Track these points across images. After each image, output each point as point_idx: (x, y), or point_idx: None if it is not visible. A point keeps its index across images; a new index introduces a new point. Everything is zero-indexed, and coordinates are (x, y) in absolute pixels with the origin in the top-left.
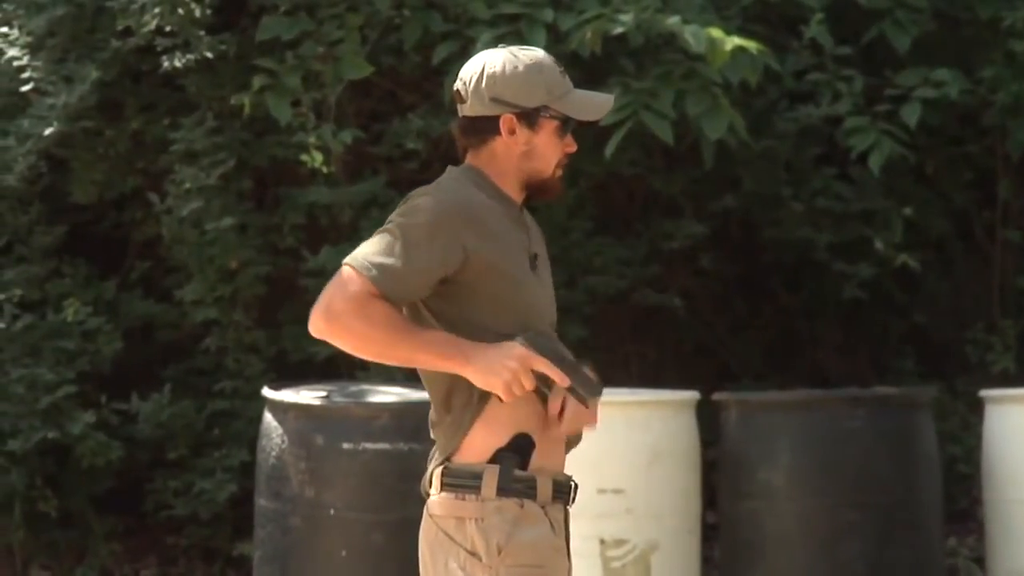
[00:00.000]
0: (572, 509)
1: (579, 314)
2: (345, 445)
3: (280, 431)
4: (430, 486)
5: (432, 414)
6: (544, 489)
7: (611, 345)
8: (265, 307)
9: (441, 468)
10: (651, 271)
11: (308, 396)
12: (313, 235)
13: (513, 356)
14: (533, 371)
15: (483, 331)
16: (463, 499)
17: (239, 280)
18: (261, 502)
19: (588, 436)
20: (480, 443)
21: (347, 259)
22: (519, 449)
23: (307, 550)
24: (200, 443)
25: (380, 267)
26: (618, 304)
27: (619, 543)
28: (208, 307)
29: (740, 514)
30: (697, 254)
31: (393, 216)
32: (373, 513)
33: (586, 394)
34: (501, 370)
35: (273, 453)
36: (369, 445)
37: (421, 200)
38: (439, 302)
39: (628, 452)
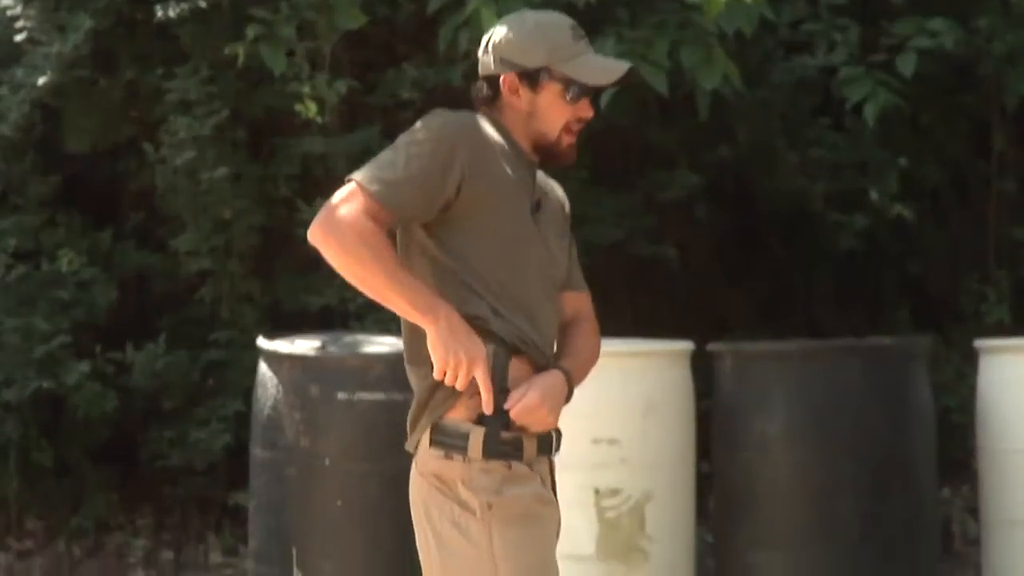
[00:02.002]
0: (566, 459)
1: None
2: (340, 395)
3: (275, 381)
4: (417, 441)
5: (410, 355)
6: (530, 448)
7: (606, 295)
8: (260, 257)
9: (431, 426)
10: (646, 222)
11: (303, 346)
12: (308, 185)
13: (470, 351)
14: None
15: (472, 274)
16: (451, 458)
17: (233, 230)
18: (256, 452)
19: (583, 386)
20: (468, 401)
21: (353, 175)
22: (506, 412)
23: (302, 500)
24: (195, 393)
25: (383, 182)
26: (613, 255)
27: (614, 493)
28: (203, 257)
29: (734, 465)
30: (692, 205)
31: (400, 136)
32: (368, 463)
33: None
34: (451, 352)
35: (268, 403)
36: (364, 395)
37: (428, 119)
38: (433, 233)
39: (623, 402)
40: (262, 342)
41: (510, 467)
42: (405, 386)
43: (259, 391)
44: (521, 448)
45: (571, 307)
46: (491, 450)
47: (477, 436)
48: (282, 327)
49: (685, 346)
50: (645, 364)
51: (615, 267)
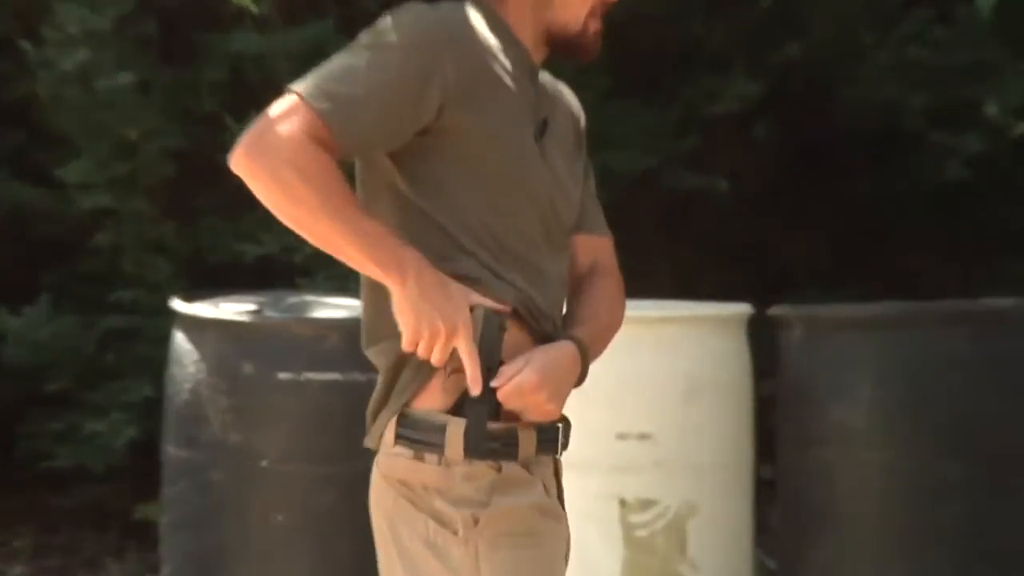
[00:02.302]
0: (580, 460)
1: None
2: (282, 375)
3: (196, 357)
4: (380, 436)
5: (372, 330)
6: (528, 444)
7: (634, 243)
8: (176, 192)
9: (396, 416)
10: (687, 144)
11: (233, 310)
12: (240, 96)
13: (448, 316)
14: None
15: (455, 219)
16: (422, 459)
17: (141, 156)
18: (170, 451)
19: (603, 362)
20: (445, 382)
21: (295, 84)
22: (493, 392)
23: (232, 513)
24: (90, 372)
25: (335, 98)
26: (643, 189)
27: (645, 505)
28: (99, 192)
29: (806, 467)
30: (748, 122)
31: (360, 36)
32: (319, 465)
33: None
34: (424, 319)
35: (186, 386)
36: (314, 375)
37: (399, 15)
38: (403, 165)
39: (657, 384)
40: (178, 305)
41: (501, 470)
42: (368, 363)
43: (174, 370)
44: (515, 444)
45: (586, 256)
46: (475, 447)
47: (456, 429)
48: (205, 284)
49: (740, 310)
50: (687, 334)
51: (646, 205)
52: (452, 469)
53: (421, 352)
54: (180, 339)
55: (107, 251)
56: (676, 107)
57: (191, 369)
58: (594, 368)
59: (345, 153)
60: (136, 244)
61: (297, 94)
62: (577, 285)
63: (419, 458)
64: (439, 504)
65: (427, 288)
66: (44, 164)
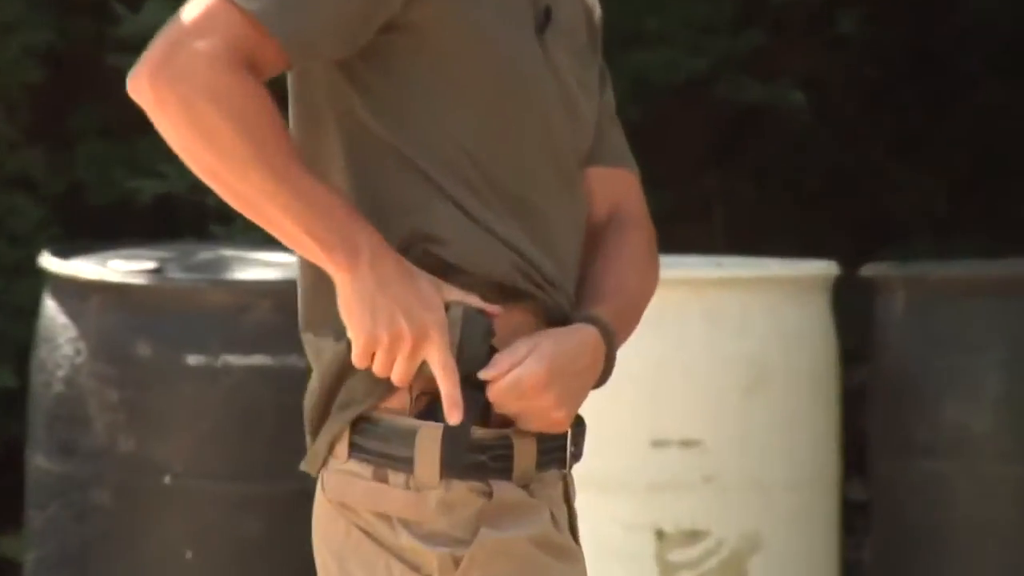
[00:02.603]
0: (603, 476)
1: (620, 118)
2: (192, 359)
3: (73, 333)
4: (326, 451)
5: (309, 309)
6: (526, 457)
7: (675, 177)
8: (46, 107)
9: (350, 423)
10: (747, 43)
11: (125, 268)
12: None
13: (417, 318)
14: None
15: (427, 151)
16: (384, 480)
17: None
18: (38, 462)
19: (635, 344)
20: (415, 380)
21: None
22: (478, 383)
23: (123, 547)
24: None
25: None
26: (690, 103)
27: (691, 538)
28: None
29: (910, 484)
30: (831, 14)
31: None
32: (242, 482)
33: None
34: (383, 321)
35: (60, 374)
36: (235, 359)
37: None
38: (357, 76)
39: (708, 373)
40: (49, 261)
41: (491, 492)
42: None
43: (43, 351)
44: (510, 457)
45: (604, 199)
46: (456, 461)
47: (430, 439)
48: (85, 233)
49: (821, 269)
50: (748, 302)
51: (694, 124)
52: (425, 494)
53: (378, 366)
54: (52, 309)
55: None
56: None
57: (67, 350)
58: (623, 351)
59: (288, 64)
60: None
61: None
62: (594, 241)
63: (380, 478)
64: (406, 539)
65: (386, 278)
66: None
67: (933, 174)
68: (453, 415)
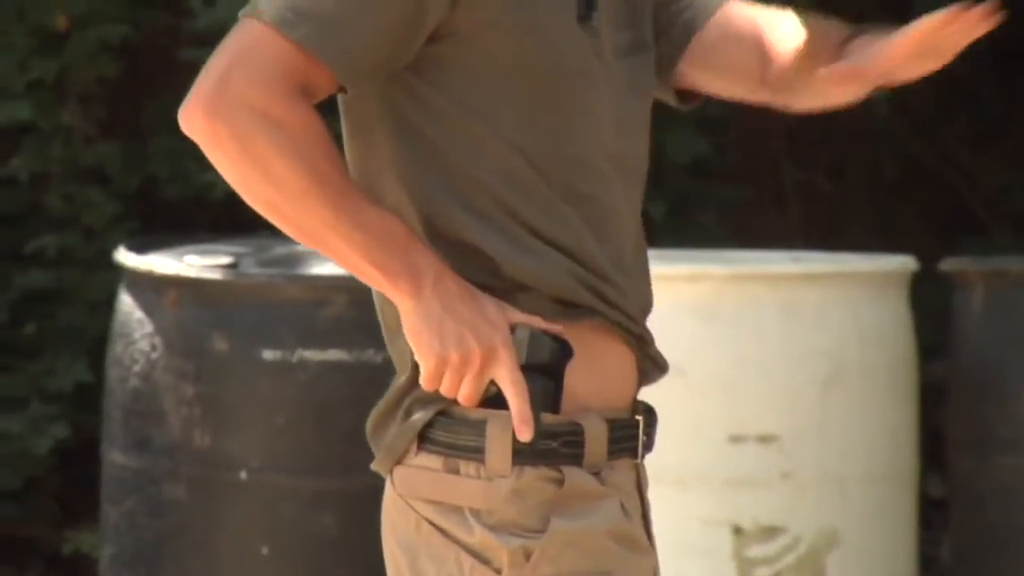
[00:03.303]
0: (678, 470)
1: (692, 114)
2: (267, 354)
3: (149, 328)
4: (398, 448)
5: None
6: (596, 441)
7: (751, 166)
8: (118, 101)
9: (429, 416)
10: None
11: (200, 263)
12: None
13: (485, 337)
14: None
15: (481, 159)
16: (456, 472)
17: (70, 51)
18: (114, 458)
19: (714, 339)
20: None
21: (250, 6)
22: (547, 368)
23: (198, 543)
24: (1, 349)
25: (314, 16)
26: None
27: (768, 534)
28: (14, 100)
29: (989, 480)
30: (910, 3)
31: None
32: (317, 477)
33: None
34: (451, 341)
35: (136, 369)
36: (311, 354)
37: None
38: (407, 84)
39: (786, 368)
40: (125, 256)
41: (562, 480)
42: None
43: (119, 347)
44: (581, 443)
45: (734, 27)
46: (526, 448)
47: (500, 426)
48: (161, 228)
49: (900, 264)
50: (826, 297)
51: (769, 119)
52: (496, 482)
53: (447, 386)
54: (127, 304)
55: (26, 183)
56: None
57: (143, 345)
58: (701, 347)
59: (340, 88)
60: (65, 172)
61: (260, 20)
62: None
63: (451, 469)
64: (477, 532)
65: (450, 299)
66: None
67: (1012, 167)
68: (524, 432)
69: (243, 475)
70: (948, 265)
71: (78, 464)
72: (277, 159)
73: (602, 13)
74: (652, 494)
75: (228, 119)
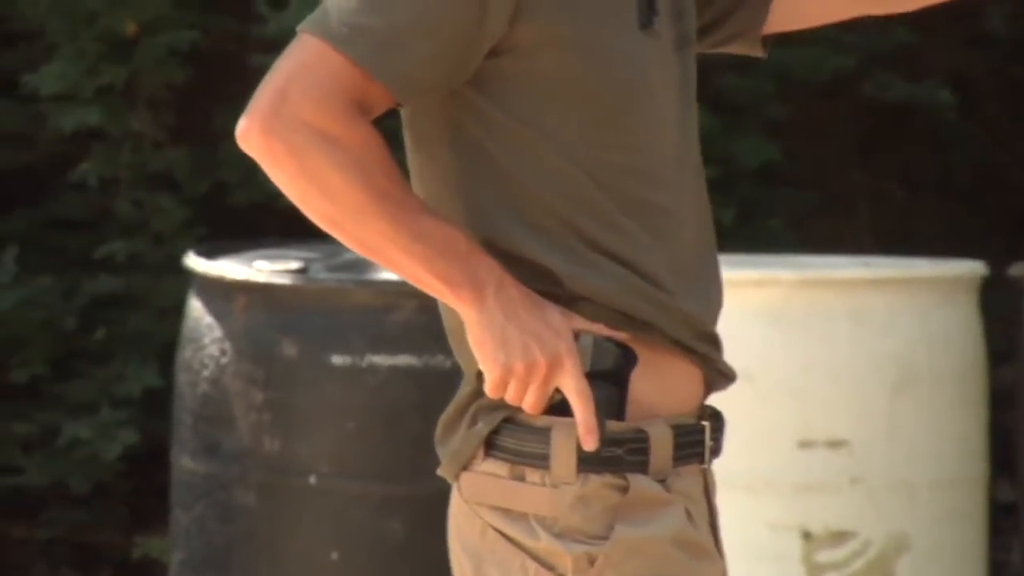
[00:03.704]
0: (746, 476)
1: (761, 120)
2: (337, 359)
3: (219, 333)
4: (465, 454)
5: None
6: (662, 448)
7: (820, 175)
8: (187, 106)
9: (495, 423)
10: (894, 39)
11: (269, 268)
12: None
13: (549, 345)
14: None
15: (546, 178)
16: (522, 479)
17: (140, 56)
18: (183, 463)
19: (783, 344)
20: None
21: (306, 22)
22: (612, 375)
23: (267, 548)
24: (71, 354)
25: (370, 33)
26: (834, 100)
27: (838, 539)
28: (84, 106)
29: None
30: (979, 10)
31: None
32: (386, 483)
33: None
34: (516, 350)
35: (205, 374)
36: (381, 359)
37: None
38: (466, 100)
39: (856, 373)
40: (194, 261)
41: (627, 487)
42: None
43: (189, 352)
44: (646, 450)
45: None
46: (592, 455)
47: (566, 434)
48: (228, 234)
49: (969, 269)
50: (896, 302)
51: (837, 122)
52: (561, 489)
53: (512, 395)
54: (197, 309)
55: (96, 188)
56: None
57: (212, 350)
58: (769, 352)
59: (397, 104)
60: (134, 178)
61: (315, 34)
62: None
63: (517, 476)
64: (542, 539)
65: (514, 308)
66: (6, 68)
67: None
68: (588, 442)
69: (312, 480)
70: (1018, 270)
71: (148, 469)
72: (335, 175)
73: (662, 17)
74: (721, 500)
75: (285, 136)
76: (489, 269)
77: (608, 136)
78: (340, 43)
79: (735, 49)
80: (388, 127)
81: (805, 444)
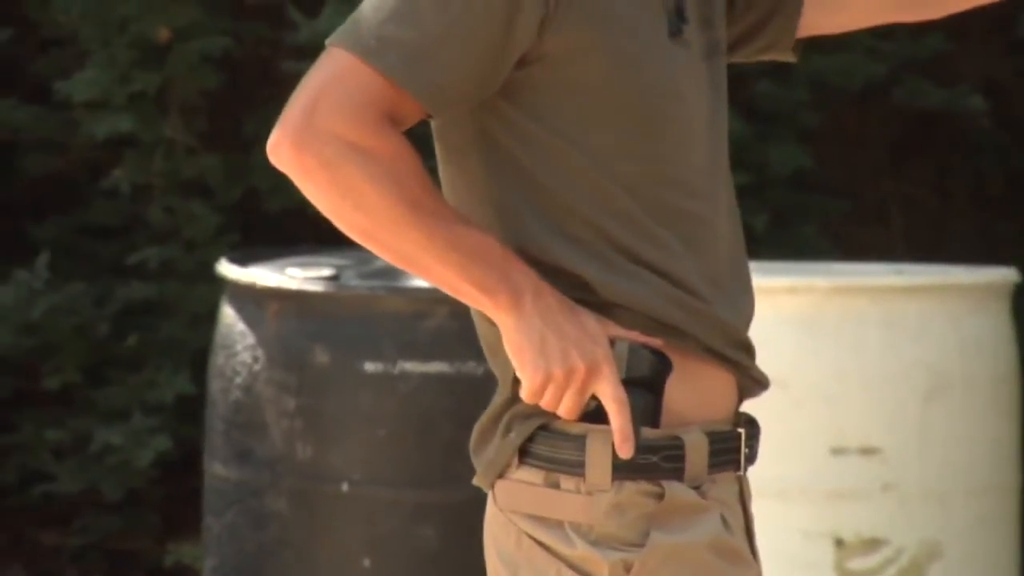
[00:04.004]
0: (779, 482)
1: (794, 127)
2: (369, 366)
3: (251, 340)
4: (501, 462)
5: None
6: (697, 455)
7: (853, 181)
8: (220, 113)
9: (530, 431)
10: (928, 47)
11: (302, 275)
12: None
13: (587, 351)
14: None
15: (578, 189)
16: (556, 486)
17: (172, 63)
18: (216, 470)
19: (815, 351)
20: None
21: (336, 35)
22: (647, 382)
23: (300, 554)
24: (103, 361)
25: (400, 45)
26: (867, 107)
27: (870, 546)
28: (116, 112)
29: None
30: (1014, 17)
31: None
32: (419, 489)
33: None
34: (555, 356)
35: (238, 380)
36: (413, 366)
37: None
38: (497, 110)
39: (888, 380)
40: (227, 268)
41: (663, 494)
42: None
43: (221, 358)
44: (681, 458)
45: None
46: (627, 463)
47: (601, 441)
48: (261, 240)
49: (1002, 276)
50: (928, 309)
51: (871, 130)
52: (596, 497)
53: (549, 400)
54: (229, 316)
55: (127, 194)
56: None
57: (244, 357)
58: (802, 359)
59: (428, 115)
60: (167, 185)
61: (345, 48)
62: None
63: (552, 484)
64: (579, 547)
65: (551, 314)
66: (40, 74)
67: None
68: (625, 449)
69: (344, 487)
70: None
71: (180, 476)
72: (367, 187)
73: (695, 22)
74: (754, 506)
75: (316, 150)
76: (526, 276)
77: (640, 145)
78: (370, 55)
79: (768, 56)
80: (419, 133)
81: (838, 451)
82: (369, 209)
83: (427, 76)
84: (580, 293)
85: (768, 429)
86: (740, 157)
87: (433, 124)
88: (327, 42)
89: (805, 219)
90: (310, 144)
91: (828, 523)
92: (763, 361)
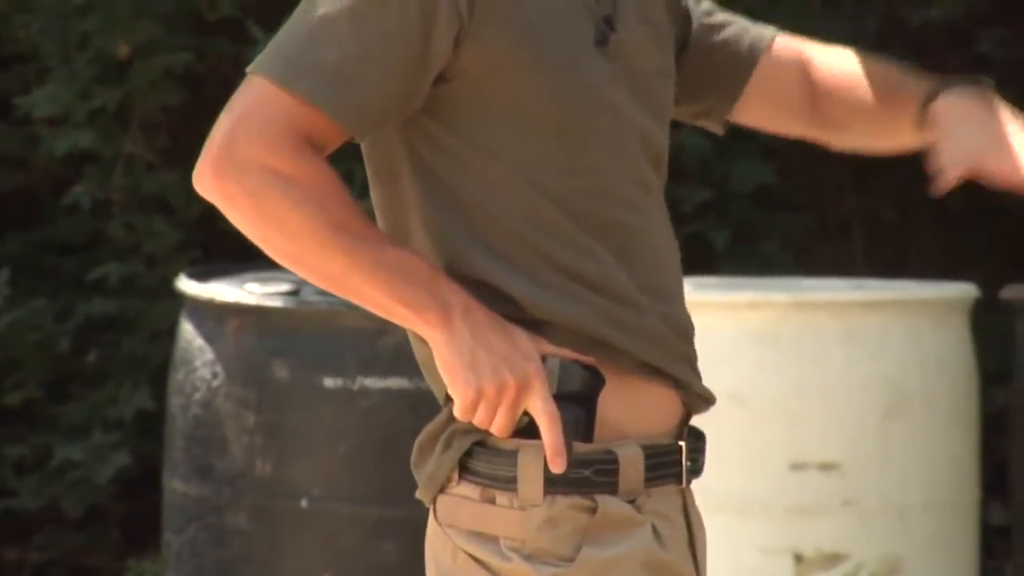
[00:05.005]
0: (737, 498)
1: (756, 142)
2: (329, 382)
3: (210, 356)
4: (441, 476)
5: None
6: (632, 468)
7: (817, 198)
8: (180, 129)
9: (467, 446)
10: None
11: (261, 291)
12: None
13: (518, 366)
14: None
15: (504, 202)
16: (492, 502)
17: (133, 78)
18: (175, 486)
19: (774, 366)
20: None
21: (255, 62)
22: (579, 397)
23: (260, 570)
24: (64, 377)
25: (317, 69)
26: None
27: (830, 561)
28: (77, 129)
29: None
30: (973, 31)
31: None
32: (379, 505)
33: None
34: (485, 373)
35: (197, 396)
36: (372, 382)
37: None
38: (418, 125)
39: (847, 395)
40: (186, 284)
41: (596, 508)
42: None
43: (181, 374)
44: (615, 471)
45: (786, 69)
46: (558, 477)
47: (533, 455)
48: (221, 256)
49: (961, 291)
50: (887, 324)
51: (832, 149)
52: (529, 512)
53: (481, 417)
54: (188, 332)
55: (88, 210)
56: (872, 12)
57: (204, 373)
58: (763, 374)
59: (350, 138)
60: (128, 201)
61: (264, 75)
62: (827, 83)
63: (488, 499)
64: (514, 562)
65: (481, 330)
66: (0, 90)
67: None
68: (556, 463)
69: (304, 503)
70: (1010, 293)
71: (140, 492)
72: (291, 213)
73: (624, 36)
74: (713, 522)
75: (238, 178)
76: (455, 293)
77: (567, 156)
78: (287, 81)
79: (696, 122)
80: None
81: (797, 466)
82: (294, 234)
83: (346, 98)
84: (509, 310)
85: (728, 444)
86: (702, 173)
87: (362, 147)
88: (247, 70)
89: (767, 235)
90: (231, 172)
91: (788, 539)
92: (723, 376)
